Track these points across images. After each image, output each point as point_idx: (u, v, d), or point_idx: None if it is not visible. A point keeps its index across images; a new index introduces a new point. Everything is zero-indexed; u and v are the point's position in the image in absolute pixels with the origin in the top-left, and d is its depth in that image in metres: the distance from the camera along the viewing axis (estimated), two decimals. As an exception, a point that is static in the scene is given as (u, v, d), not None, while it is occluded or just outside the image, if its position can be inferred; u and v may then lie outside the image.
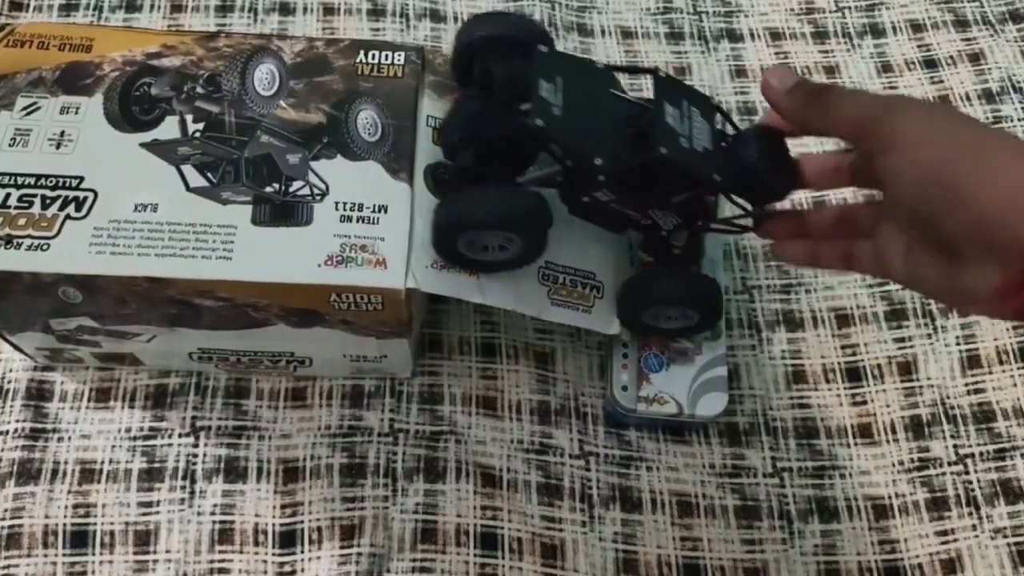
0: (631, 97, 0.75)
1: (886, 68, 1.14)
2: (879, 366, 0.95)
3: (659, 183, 0.73)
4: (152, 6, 1.11)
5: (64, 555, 0.82)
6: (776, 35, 1.16)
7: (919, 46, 1.16)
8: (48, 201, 0.70)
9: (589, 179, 0.73)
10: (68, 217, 0.70)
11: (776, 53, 1.14)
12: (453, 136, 0.76)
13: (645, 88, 1.05)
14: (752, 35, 1.16)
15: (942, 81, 1.13)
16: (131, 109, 0.75)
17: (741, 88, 1.11)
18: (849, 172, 0.72)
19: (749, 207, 0.78)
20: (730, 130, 0.77)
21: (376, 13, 1.13)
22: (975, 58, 1.15)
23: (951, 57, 1.15)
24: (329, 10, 1.12)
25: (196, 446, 0.86)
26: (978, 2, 1.19)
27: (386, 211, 0.73)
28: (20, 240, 0.69)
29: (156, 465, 0.86)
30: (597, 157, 0.71)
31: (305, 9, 1.12)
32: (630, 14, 1.16)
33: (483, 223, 0.71)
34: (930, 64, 1.14)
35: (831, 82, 0.82)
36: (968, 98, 1.11)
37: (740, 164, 0.74)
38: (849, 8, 1.19)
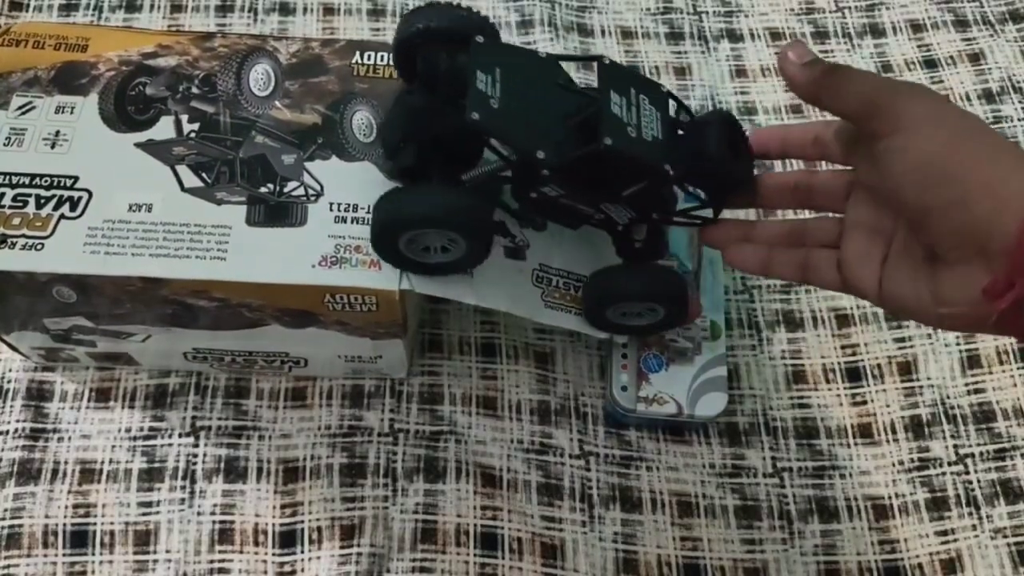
0: (577, 87, 0.74)
1: (886, 68, 1.14)
2: (879, 366, 0.95)
3: (607, 175, 0.71)
4: (152, 6, 1.11)
5: (64, 555, 0.82)
6: (776, 35, 1.16)
7: (919, 46, 1.16)
8: (43, 201, 0.71)
9: (534, 173, 0.70)
10: (63, 217, 0.70)
11: (776, 53, 1.13)
12: (393, 134, 0.74)
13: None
14: (752, 35, 1.16)
15: (942, 81, 1.13)
16: (126, 109, 0.75)
17: (741, 88, 1.12)
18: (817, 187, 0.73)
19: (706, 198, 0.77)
20: (685, 118, 0.75)
21: (376, 13, 1.13)
22: (975, 58, 1.15)
23: (951, 57, 1.15)
24: (329, 10, 1.13)
25: (196, 446, 0.87)
26: (978, 2, 1.19)
27: None
28: (14, 240, 0.69)
29: (156, 465, 0.86)
30: (539, 150, 0.68)
31: (305, 9, 1.12)
32: (630, 14, 1.16)
33: (421, 221, 0.68)
34: (930, 64, 1.14)
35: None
36: (968, 98, 1.11)
37: (696, 152, 0.72)
38: (849, 8, 1.19)
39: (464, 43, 0.70)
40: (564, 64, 0.75)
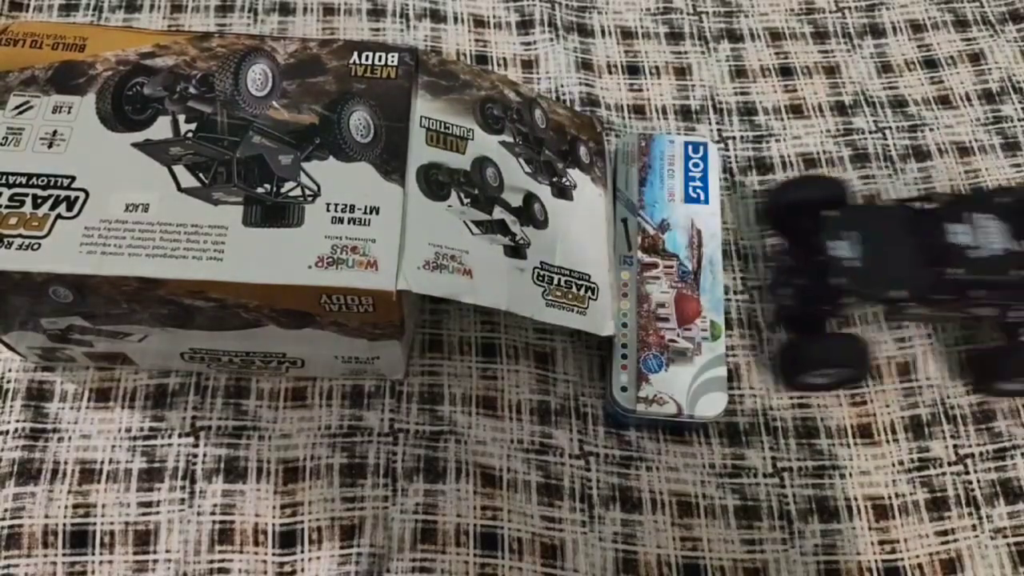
0: (916, 206, 0.91)
1: (886, 68, 1.14)
2: (878, 366, 0.95)
3: (959, 291, 0.86)
4: (152, 6, 1.11)
5: (64, 555, 0.82)
6: (776, 35, 1.16)
7: (919, 46, 1.16)
8: (39, 200, 0.70)
9: (898, 306, 0.89)
10: (59, 217, 0.70)
11: (776, 53, 1.14)
12: (777, 284, 0.95)
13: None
14: (752, 35, 1.16)
15: (942, 81, 1.13)
16: (124, 109, 0.75)
17: (741, 88, 1.11)
18: None
19: None
20: None
21: (376, 13, 1.13)
22: (975, 58, 1.15)
23: (951, 57, 1.15)
24: (329, 10, 1.13)
25: (196, 446, 0.87)
26: (978, 2, 1.19)
27: (378, 212, 0.72)
28: (11, 239, 0.68)
29: (156, 465, 0.86)
30: (895, 291, 0.87)
31: (305, 9, 1.12)
32: (630, 14, 1.16)
33: (825, 364, 0.90)
34: (930, 64, 1.14)
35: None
36: (968, 98, 1.11)
37: None
38: (849, 8, 1.19)
39: (822, 206, 0.92)
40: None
